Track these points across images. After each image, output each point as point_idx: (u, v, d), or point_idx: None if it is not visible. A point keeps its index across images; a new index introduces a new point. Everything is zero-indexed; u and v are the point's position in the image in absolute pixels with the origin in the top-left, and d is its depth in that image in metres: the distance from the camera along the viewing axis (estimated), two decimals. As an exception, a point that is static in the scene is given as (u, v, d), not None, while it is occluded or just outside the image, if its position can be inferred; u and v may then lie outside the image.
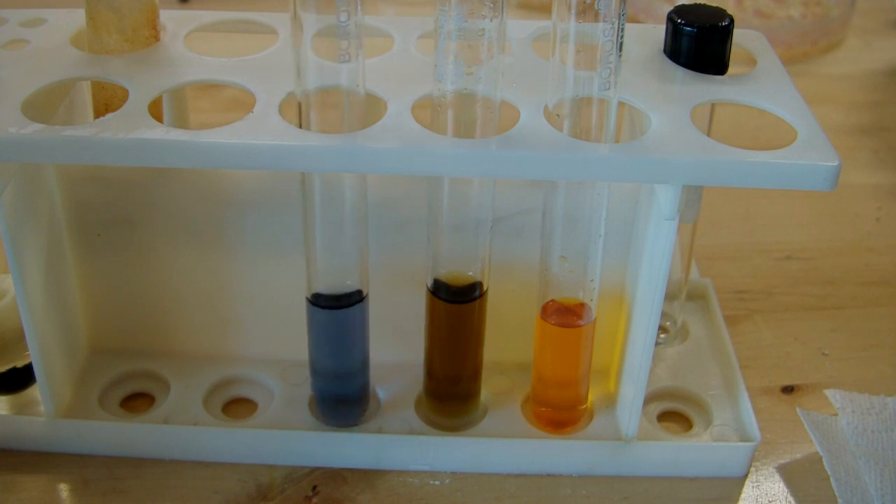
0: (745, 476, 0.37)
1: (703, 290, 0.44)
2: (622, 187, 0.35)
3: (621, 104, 0.32)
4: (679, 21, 0.33)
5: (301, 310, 0.35)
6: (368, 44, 0.32)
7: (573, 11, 0.28)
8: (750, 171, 0.29)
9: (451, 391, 0.37)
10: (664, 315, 0.40)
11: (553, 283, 0.34)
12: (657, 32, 0.35)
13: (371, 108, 0.31)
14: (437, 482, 0.36)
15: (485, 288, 0.34)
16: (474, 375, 0.36)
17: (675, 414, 0.39)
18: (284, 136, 0.30)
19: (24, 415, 0.37)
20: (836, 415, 0.39)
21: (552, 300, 0.34)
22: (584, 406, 0.37)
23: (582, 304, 0.34)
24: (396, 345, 0.38)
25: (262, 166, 0.30)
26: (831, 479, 0.36)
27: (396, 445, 0.36)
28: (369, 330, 0.35)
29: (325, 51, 0.29)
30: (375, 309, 0.35)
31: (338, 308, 0.34)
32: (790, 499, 0.36)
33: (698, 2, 0.34)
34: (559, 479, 0.36)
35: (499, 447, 0.36)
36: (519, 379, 0.38)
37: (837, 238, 0.51)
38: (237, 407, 0.38)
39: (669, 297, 0.40)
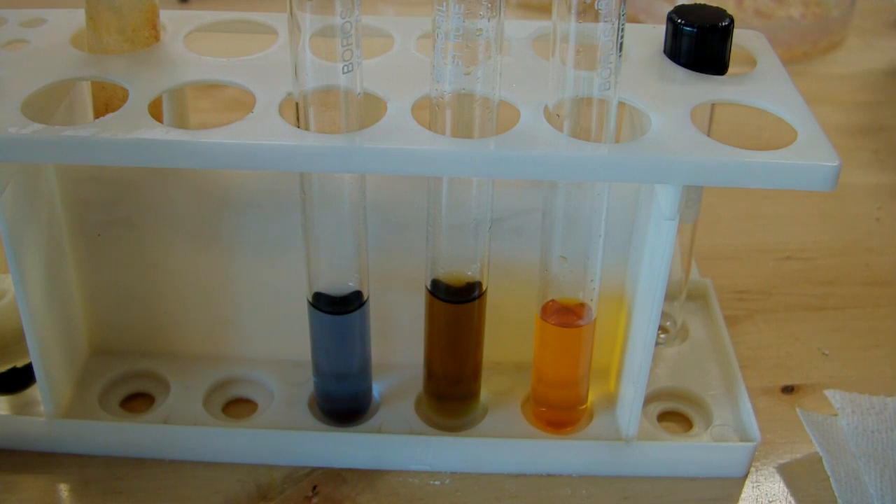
0: (745, 476, 0.37)
1: (703, 290, 0.44)
2: (622, 187, 0.35)
3: (621, 104, 0.31)
4: (679, 21, 0.33)
5: (301, 309, 0.35)
6: (368, 44, 0.32)
7: (573, 11, 0.28)
8: (750, 171, 0.29)
9: (451, 391, 0.37)
10: (664, 315, 0.40)
11: (553, 283, 0.34)
12: (657, 32, 0.35)
13: (371, 109, 0.31)
14: (437, 482, 0.36)
15: (484, 288, 0.34)
16: (474, 375, 0.36)
17: (675, 414, 0.39)
18: (284, 137, 0.29)
19: (24, 415, 0.37)
20: (836, 415, 0.38)
21: (552, 300, 0.34)
22: (584, 406, 0.37)
23: (582, 305, 0.34)
24: (396, 345, 0.38)
25: (261, 166, 0.30)
26: (831, 479, 0.36)
27: (396, 445, 0.36)
28: (369, 331, 0.35)
29: (324, 51, 0.29)
30: (375, 309, 0.36)
31: (339, 314, 0.34)
32: (790, 499, 0.36)
33: (698, 2, 0.34)
34: (559, 479, 0.36)
35: (499, 447, 0.36)
36: (519, 379, 0.38)
37: (837, 238, 0.51)
38: (237, 407, 0.38)
39: (669, 297, 0.40)
